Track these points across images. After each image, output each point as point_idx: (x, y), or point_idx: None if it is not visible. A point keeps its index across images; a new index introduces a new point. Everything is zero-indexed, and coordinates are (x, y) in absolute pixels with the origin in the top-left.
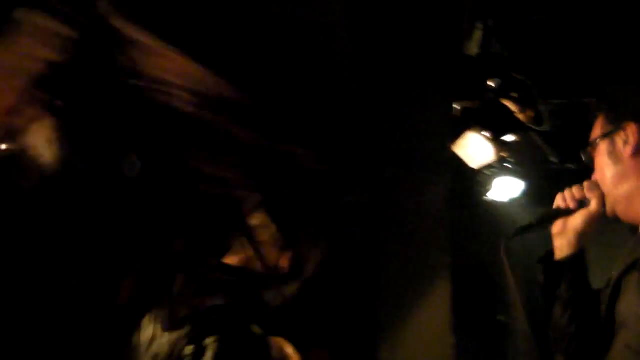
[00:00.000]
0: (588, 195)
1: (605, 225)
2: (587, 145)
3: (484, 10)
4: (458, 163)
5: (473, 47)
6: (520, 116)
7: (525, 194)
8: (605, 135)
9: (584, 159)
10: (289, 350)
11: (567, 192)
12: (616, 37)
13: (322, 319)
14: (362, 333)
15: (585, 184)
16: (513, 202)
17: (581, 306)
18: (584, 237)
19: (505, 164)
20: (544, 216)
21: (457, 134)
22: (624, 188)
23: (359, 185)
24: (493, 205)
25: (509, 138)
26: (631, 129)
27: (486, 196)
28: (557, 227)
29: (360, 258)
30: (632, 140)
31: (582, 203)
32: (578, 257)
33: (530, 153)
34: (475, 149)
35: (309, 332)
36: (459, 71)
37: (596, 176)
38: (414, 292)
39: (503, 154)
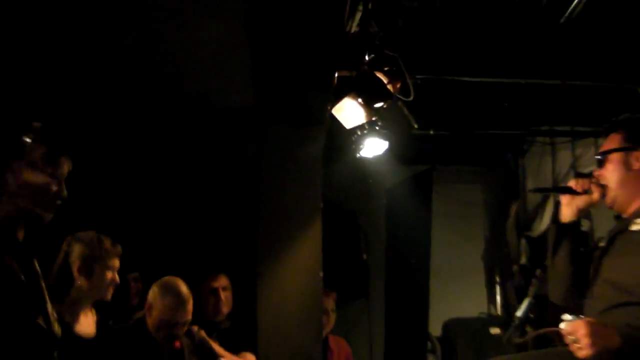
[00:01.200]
0: (593, 187)
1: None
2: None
3: None
4: (334, 123)
5: (354, 26)
6: (390, 87)
7: (388, 152)
8: (623, 150)
9: (603, 162)
10: (184, 290)
11: (579, 179)
12: (469, 24)
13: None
14: (246, 266)
15: (593, 179)
16: (378, 158)
17: (577, 256)
18: (582, 212)
19: (374, 127)
20: (559, 187)
21: (335, 99)
22: (627, 190)
23: (248, 140)
24: (362, 160)
25: (379, 105)
26: None
27: (357, 152)
28: (565, 199)
29: (244, 202)
30: None
31: (587, 191)
32: (576, 223)
33: (395, 118)
34: (349, 112)
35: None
36: (341, 45)
37: (604, 173)
38: (290, 232)
39: (373, 118)
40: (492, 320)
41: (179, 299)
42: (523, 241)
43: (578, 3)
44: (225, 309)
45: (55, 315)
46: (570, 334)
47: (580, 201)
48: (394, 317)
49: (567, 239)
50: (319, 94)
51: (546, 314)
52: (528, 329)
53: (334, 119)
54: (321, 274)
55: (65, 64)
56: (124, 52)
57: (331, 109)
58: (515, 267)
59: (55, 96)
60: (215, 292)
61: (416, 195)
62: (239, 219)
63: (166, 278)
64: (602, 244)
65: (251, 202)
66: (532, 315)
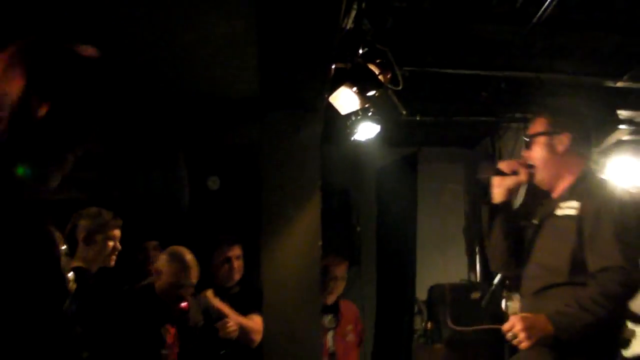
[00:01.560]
0: (520, 169)
1: None
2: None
3: None
4: (331, 110)
5: (349, 23)
6: (381, 77)
7: (379, 135)
8: (548, 134)
9: (530, 144)
10: (189, 257)
11: (508, 162)
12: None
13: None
14: (250, 238)
15: (520, 160)
16: (369, 141)
17: (510, 232)
18: (511, 193)
19: (366, 113)
20: (490, 170)
21: (332, 88)
22: (551, 171)
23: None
24: (355, 142)
25: (371, 93)
26: (566, 136)
27: (351, 136)
28: (496, 181)
29: (248, 181)
30: (565, 143)
31: (514, 172)
32: (507, 203)
33: (385, 106)
34: (345, 100)
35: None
36: (337, 39)
37: (531, 155)
38: (291, 207)
39: (366, 105)
40: (472, 286)
41: (184, 265)
42: None
43: (549, 5)
44: (237, 276)
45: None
46: (509, 330)
47: (510, 182)
48: (385, 282)
49: (499, 217)
50: (317, 84)
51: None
52: (505, 293)
53: (330, 106)
54: (320, 243)
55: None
56: (141, 47)
57: (328, 97)
58: None
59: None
60: (229, 260)
61: (404, 174)
62: (246, 196)
63: (173, 247)
64: (535, 221)
65: (256, 181)
66: (507, 282)
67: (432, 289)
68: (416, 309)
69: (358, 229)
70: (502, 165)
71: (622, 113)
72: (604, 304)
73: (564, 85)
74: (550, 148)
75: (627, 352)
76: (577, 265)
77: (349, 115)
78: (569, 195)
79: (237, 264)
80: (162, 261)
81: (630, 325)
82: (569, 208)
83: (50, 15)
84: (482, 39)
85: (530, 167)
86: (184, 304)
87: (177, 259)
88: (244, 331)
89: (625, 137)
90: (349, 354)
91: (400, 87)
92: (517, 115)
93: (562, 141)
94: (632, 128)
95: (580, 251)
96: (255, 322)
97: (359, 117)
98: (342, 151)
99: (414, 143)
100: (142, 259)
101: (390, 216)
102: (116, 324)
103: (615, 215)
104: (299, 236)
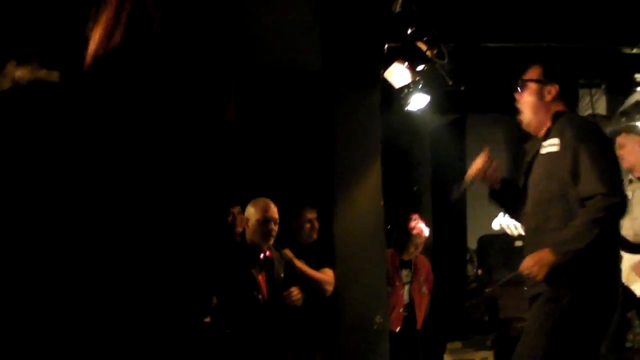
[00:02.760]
0: (488, 173)
1: None
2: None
3: None
4: (386, 84)
5: (397, 7)
6: (428, 53)
7: (429, 105)
8: (539, 82)
9: (522, 88)
10: (269, 200)
11: (477, 165)
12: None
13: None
14: (325, 196)
15: (486, 154)
16: (421, 110)
17: (514, 190)
18: (500, 176)
19: (417, 85)
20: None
21: (386, 65)
22: (538, 116)
23: (321, 98)
24: (410, 112)
25: (421, 67)
26: (555, 87)
27: (405, 106)
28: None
29: (320, 151)
30: (553, 93)
31: (489, 180)
32: (507, 183)
33: (434, 78)
34: (398, 74)
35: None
36: (389, 22)
37: (521, 98)
38: (357, 169)
39: (417, 78)
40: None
41: (268, 204)
42: None
43: None
44: (315, 235)
45: None
46: (524, 270)
47: (490, 171)
48: (439, 234)
49: (504, 192)
50: (374, 61)
51: None
52: None
53: (386, 80)
54: (382, 202)
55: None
56: (221, 33)
57: (384, 72)
58: None
59: None
60: (311, 221)
61: (453, 137)
62: (319, 160)
63: (255, 199)
64: (527, 158)
65: (327, 147)
66: None
67: (481, 239)
68: (468, 256)
69: (415, 187)
70: (478, 167)
71: (639, 76)
72: (593, 228)
73: (587, 53)
74: (540, 95)
75: None
76: (565, 197)
77: (402, 88)
78: (549, 133)
79: (317, 225)
80: (248, 210)
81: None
82: (550, 145)
83: None
84: (516, 15)
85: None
86: (268, 253)
87: (261, 201)
88: (318, 283)
89: None
90: (422, 304)
91: (445, 61)
92: None
93: (551, 91)
94: None
95: (566, 183)
96: (327, 275)
97: (411, 90)
98: (399, 119)
99: (461, 110)
100: (231, 222)
101: (443, 174)
102: (219, 270)
103: (591, 146)
104: (365, 195)
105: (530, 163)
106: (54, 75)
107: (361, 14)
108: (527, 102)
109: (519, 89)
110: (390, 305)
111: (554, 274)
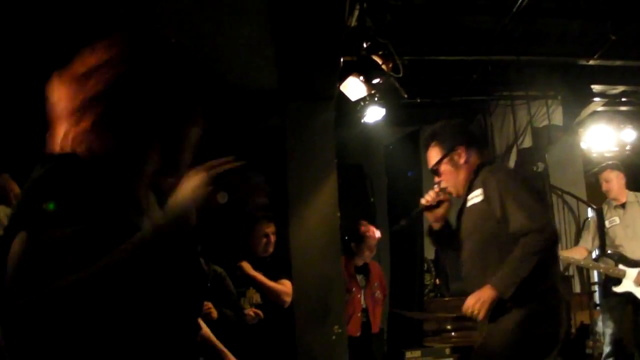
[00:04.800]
0: (442, 196)
1: None
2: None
3: None
4: (341, 97)
5: (353, 21)
6: (384, 66)
7: (385, 117)
8: (446, 155)
9: (438, 170)
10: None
11: (427, 196)
12: (442, 16)
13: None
14: (280, 208)
15: (437, 190)
16: (377, 122)
17: (453, 242)
18: (445, 217)
19: (373, 98)
20: (418, 212)
21: (341, 79)
22: (463, 178)
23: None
24: (364, 124)
25: (376, 81)
26: (460, 149)
27: (361, 119)
28: (430, 216)
29: (273, 159)
30: (463, 154)
31: (440, 201)
32: (445, 224)
33: (389, 91)
34: (353, 88)
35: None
36: (344, 37)
37: (443, 179)
38: (311, 183)
39: (372, 92)
40: None
41: None
42: None
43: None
44: (271, 249)
45: None
46: (466, 310)
47: (440, 211)
48: (397, 244)
49: (444, 237)
50: (329, 75)
51: None
52: None
53: (342, 94)
54: (338, 214)
55: None
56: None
57: (339, 86)
58: None
59: None
60: (267, 236)
61: (408, 149)
62: (271, 176)
63: None
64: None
65: (280, 163)
66: None
67: (438, 250)
68: (425, 267)
69: (372, 199)
70: (428, 200)
71: (596, 87)
72: (528, 261)
73: (542, 66)
74: (454, 164)
75: (617, 288)
76: (498, 240)
77: (358, 102)
78: (472, 187)
79: (273, 239)
80: None
81: (621, 266)
82: (475, 197)
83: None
84: (469, 28)
85: (444, 190)
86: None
87: None
88: (275, 294)
89: (600, 108)
90: (376, 309)
91: (401, 74)
92: (504, 93)
93: (460, 154)
94: (605, 100)
95: (497, 228)
96: (285, 286)
97: (366, 102)
98: (354, 132)
99: (416, 122)
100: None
101: (398, 186)
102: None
103: (514, 189)
104: (320, 209)
105: (459, 216)
106: None
107: (315, 29)
108: (449, 177)
109: (436, 176)
110: (349, 311)
111: (499, 307)
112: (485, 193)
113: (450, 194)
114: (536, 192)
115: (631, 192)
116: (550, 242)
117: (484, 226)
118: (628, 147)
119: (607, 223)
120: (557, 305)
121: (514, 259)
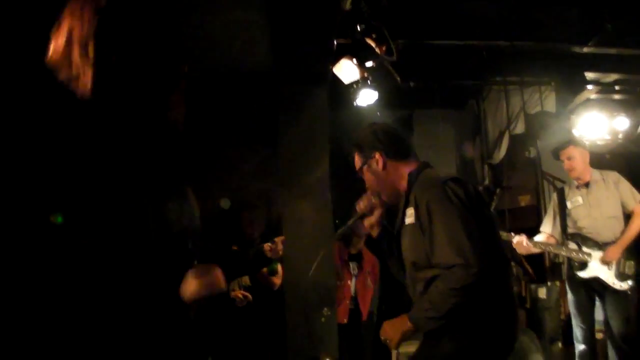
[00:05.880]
0: (374, 202)
1: None
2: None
3: None
4: (335, 79)
5: (347, 4)
6: (377, 50)
7: (378, 101)
8: (365, 163)
9: (362, 176)
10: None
11: (360, 203)
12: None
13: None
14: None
15: (370, 197)
16: (370, 106)
17: (395, 249)
18: (380, 223)
19: (366, 81)
20: (356, 220)
21: (335, 61)
22: (386, 187)
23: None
24: (358, 107)
25: (369, 64)
26: (377, 155)
27: (354, 102)
28: (367, 222)
29: (266, 143)
30: (380, 161)
31: (373, 208)
32: (383, 230)
33: (382, 74)
34: (347, 70)
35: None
36: (338, 19)
37: (369, 186)
38: (304, 168)
39: (365, 75)
40: None
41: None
42: (486, 167)
43: None
44: (257, 233)
45: None
46: (382, 335)
47: (375, 217)
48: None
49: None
50: (323, 58)
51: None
52: None
53: (335, 79)
54: (329, 197)
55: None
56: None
57: (333, 68)
58: (480, 188)
59: None
60: (252, 222)
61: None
62: (263, 159)
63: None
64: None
65: (272, 146)
66: None
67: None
68: None
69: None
70: (361, 207)
71: (589, 75)
72: (449, 298)
73: (537, 52)
74: (374, 171)
75: (583, 273)
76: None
77: (351, 84)
78: (407, 203)
79: (262, 223)
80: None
81: (585, 249)
82: (409, 216)
83: None
84: (464, 13)
85: (377, 195)
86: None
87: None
88: (265, 277)
89: (593, 96)
90: (366, 296)
91: (394, 58)
92: (498, 79)
93: (378, 161)
94: (598, 88)
95: (428, 253)
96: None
97: (359, 85)
98: (347, 115)
99: (409, 106)
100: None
101: None
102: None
103: (442, 217)
104: (312, 194)
105: (399, 231)
106: None
107: (310, 12)
108: (372, 184)
109: (361, 181)
110: (339, 298)
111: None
112: (416, 214)
113: (382, 200)
114: (466, 221)
115: (595, 170)
116: (475, 280)
117: (419, 248)
118: (620, 135)
119: (568, 204)
120: (495, 342)
121: (434, 293)
